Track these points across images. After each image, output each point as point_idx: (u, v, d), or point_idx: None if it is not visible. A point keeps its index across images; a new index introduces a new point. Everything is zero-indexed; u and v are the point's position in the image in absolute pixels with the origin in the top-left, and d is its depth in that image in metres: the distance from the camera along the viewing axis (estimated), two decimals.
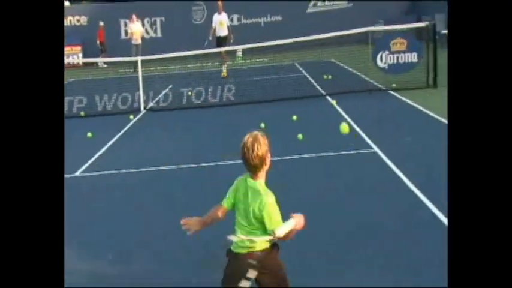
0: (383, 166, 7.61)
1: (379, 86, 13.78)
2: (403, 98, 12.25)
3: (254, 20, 25.53)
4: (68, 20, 26.60)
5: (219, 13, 18.36)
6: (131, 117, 12.44)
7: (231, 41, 18.20)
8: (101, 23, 25.09)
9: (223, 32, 18.23)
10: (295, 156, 8.40)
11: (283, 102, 12.82)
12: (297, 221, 3.39)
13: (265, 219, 3.32)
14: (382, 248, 5.17)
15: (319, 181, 7.35)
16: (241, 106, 12.78)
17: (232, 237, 3.42)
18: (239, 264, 3.43)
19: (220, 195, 3.59)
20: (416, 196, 6.38)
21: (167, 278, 4.89)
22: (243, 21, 25.25)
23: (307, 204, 6.03)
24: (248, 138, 3.39)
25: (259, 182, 3.42)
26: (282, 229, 3.32)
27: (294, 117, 10.63)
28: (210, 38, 18.62)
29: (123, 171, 8.38)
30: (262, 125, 9.46)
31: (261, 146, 3.36)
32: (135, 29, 22.83)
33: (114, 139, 10.54)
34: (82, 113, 13.23)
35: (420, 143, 8.69)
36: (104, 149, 9.80)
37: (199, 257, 5.21)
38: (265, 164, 3.40)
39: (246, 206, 3.41)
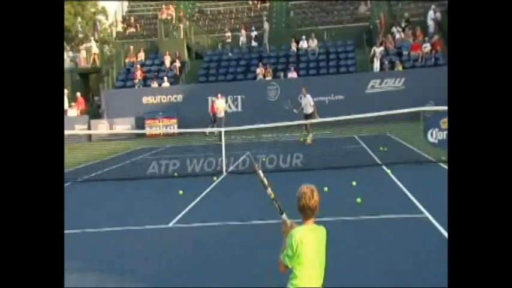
0: (433, 229, 7.48)
1: (430, 158, 13.58)
2: None
3: (320, 99, 25.93)
4: (168, 98, 28.18)
5: (304, 95, 19.68)
6: (215, 178, 12.84)
7: (317, 116, 18.84)
8: (213, 98, 24.89)
9: (309, 110, 19.31)
10: (354, 218, 8.40)
11: (344, 170, 12.87)
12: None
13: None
14: None
15: (375, 240, 7.30)
16: (308, 172, 12.92)
17: None
18: None
19: None
20: None
21: None
22: None
23: (360, 258, 6.00)
24: (307, 188, 3.52)
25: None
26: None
27: (354, 183, 10.65)
28: (295, 111, 19.98)
29: (208, 224, 8.66)
30: (326, 188, 9.52)
31: (318, 194, 3.50)
32: (220, 104, 23.78)
33: (200, 197, 10.91)
34: (176, 174, 13.81)
35: None
36: (192, 204, 10.17)
37: None
38: (318, 211, 3.49)
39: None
